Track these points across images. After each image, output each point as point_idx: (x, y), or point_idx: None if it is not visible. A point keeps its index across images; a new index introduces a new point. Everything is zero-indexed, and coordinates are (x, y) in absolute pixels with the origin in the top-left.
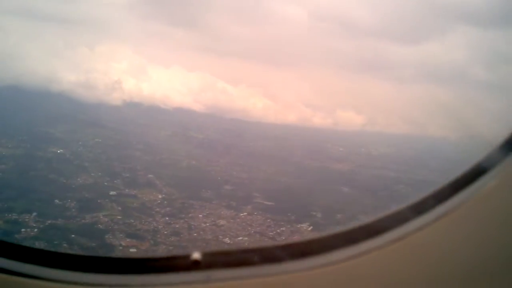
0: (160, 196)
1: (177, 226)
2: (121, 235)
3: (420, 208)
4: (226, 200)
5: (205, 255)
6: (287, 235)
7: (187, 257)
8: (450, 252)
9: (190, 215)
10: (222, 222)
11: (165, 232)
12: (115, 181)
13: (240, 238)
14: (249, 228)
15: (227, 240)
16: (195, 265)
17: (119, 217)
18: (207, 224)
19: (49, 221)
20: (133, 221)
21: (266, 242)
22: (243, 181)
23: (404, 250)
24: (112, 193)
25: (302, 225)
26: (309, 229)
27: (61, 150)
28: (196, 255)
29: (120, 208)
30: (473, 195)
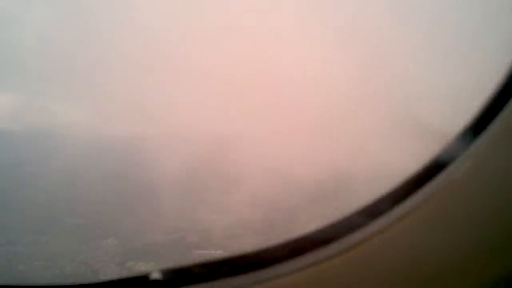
0: None
1: None
2: None
3: (374, 211)
4: None
5: (165, 273)
6: None
7: (144, 278)
8: (411, 255)
9: None
10: None
11: None
12: None
13: None
14: None
15: None
16: (154, 287)
17: None
18: None
19: None
20: None
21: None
22: None
23: (359, 259)
24: None
25: None
26: None
27: None
28: (155, 274)
29: None
30: (434, 191)
